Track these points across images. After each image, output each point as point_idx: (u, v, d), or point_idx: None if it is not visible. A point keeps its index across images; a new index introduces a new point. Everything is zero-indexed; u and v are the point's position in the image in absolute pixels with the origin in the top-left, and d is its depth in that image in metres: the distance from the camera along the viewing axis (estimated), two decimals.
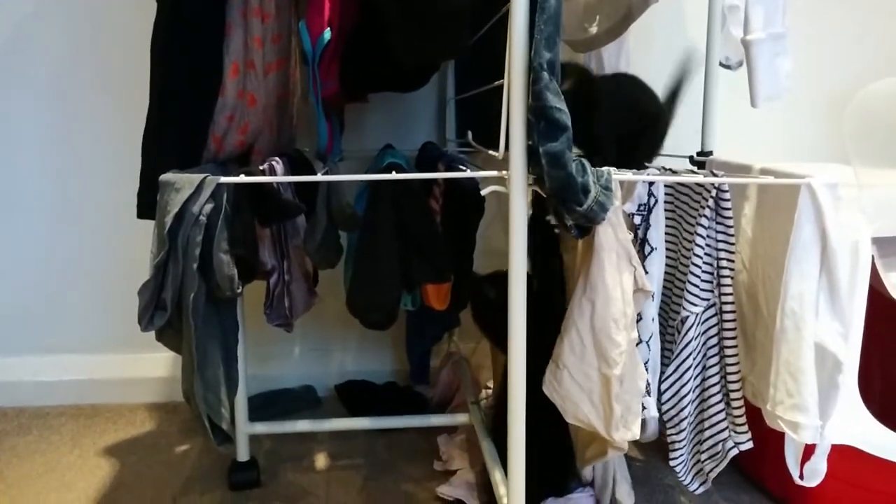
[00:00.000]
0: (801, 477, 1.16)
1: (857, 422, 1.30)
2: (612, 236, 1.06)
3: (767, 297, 1.22)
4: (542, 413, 1.15)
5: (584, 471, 1.42)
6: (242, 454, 1.57)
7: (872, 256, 1.25)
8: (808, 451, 1.15)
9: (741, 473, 1.58)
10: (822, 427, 1.10)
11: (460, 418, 1.67)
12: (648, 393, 1.20)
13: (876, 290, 1.27)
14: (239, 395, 1.49)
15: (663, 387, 1.22)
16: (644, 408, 1.19)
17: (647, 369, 1.19)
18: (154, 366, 1.99)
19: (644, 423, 1.23)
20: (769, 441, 1.20)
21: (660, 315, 1.23)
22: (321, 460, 1.68)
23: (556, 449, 1.39)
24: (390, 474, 1.60)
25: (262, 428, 1.62)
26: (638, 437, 1.12)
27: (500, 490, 1.25)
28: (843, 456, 1.27)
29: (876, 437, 1.32)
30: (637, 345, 1.18)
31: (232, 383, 1.14)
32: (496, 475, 1.31)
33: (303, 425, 1.68)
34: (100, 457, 1.70)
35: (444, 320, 1.61)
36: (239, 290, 1.09)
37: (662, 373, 1.22)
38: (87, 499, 1.51)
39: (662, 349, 1.23)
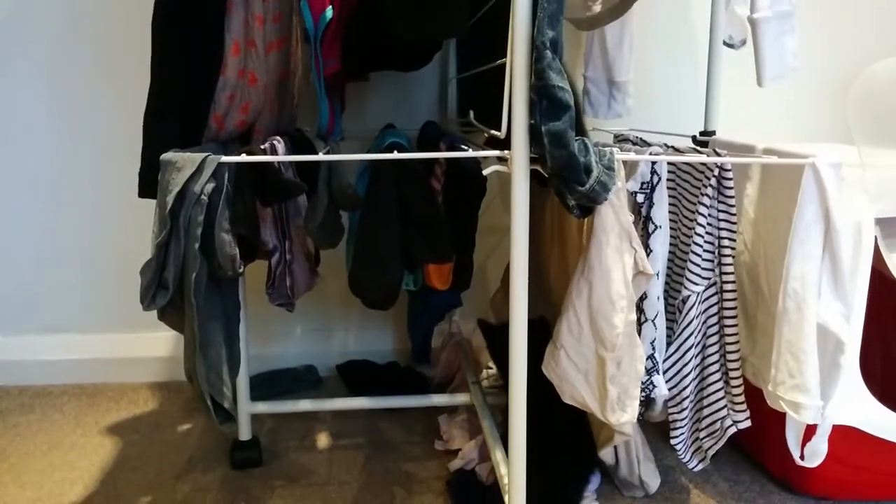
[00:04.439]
0: (802, 457, 1.17)
1: (858, 403, 1.30)
2: (612, 217, 1.06)
3: (769, 277, 1.22)
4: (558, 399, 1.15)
5: (605, 454, 1.42)
6: (244, 433, 1.58)
7: (875, 237, 1.25)
8: (809, 431, 1.15)
9: (741, 453, 1.58)
10: (823, 407, 1.10)
11: (461, 398, 1.67)
12: (658, 371, 1.21)
13: (878, 272, 1.27)
14: (241, 375, 1.49)
15: (665, 366, 1.22)
16: (655, 386, 1.20)
17: (654, 347, 1.20)
18: (156, 345, 2.00)
19: (654, 401, 1.23)
20: (769, 421, 1.20)
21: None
22: (323, 439, 1.68)
23: (572, 435, 1.39)
24: (391, 453, 1.61)
25: (263, 407, 1.62)
26: (634, 420, 1.13)
27: (501, 470, 1.26)
28: (843, 437, 1.27)
29: (877, 418, 1.32)
30: (643, 323, 1.18)
31: (234, 363, 1.14)
32: (497, 454, 1.31)
33: (304, 405, 1.69)
34: (102, 436, 1.70)
35: (446, 300, 1.61)
36: (240, 270, 1.09)
37: (664, 351, 1.22)
38: (90, 477, 1.52)
39: (665, 328, 1.23)
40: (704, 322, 1.21)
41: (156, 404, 1.88)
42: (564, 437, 1.39)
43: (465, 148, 1.19)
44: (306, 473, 1.53)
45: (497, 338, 1.66)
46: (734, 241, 1.18)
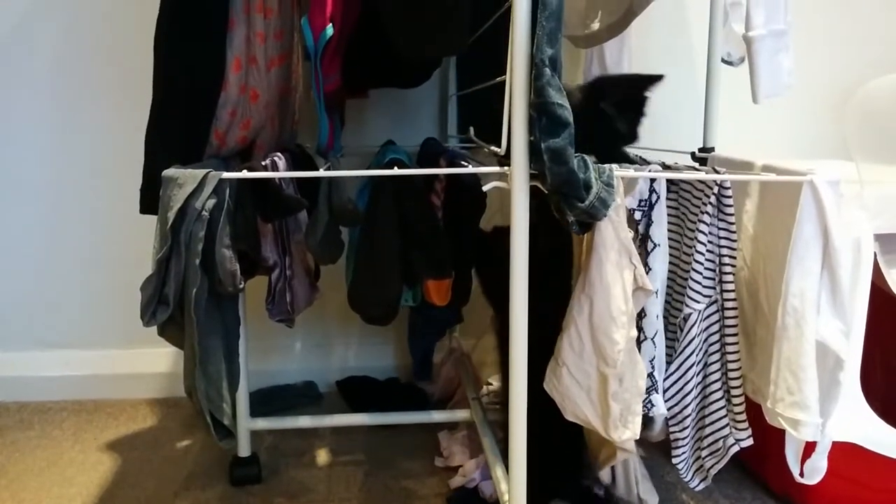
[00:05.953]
0: (802, 474, 1.16)
1: (858, 419, 1.30)
2: (612, 233, 1.06)
3: (769, 294, 1.22)
4: (554, 413, 1.14)
5: (602, 474, 1.41)
6: (244, 450, 1.57)
7: (874, 253, 1.25)
8: (809, 448, 1.15)
9: (742, 470, 1.58)
10: (822, 425, 1.09)
11: (461, 414, 1.67)
12: (657, 390, 1.20)
13: (878, 287, 1.27)
14: (240, 391, 1.49)
15: (666, 384, 1.22)
16: (653, 405, 1.19)
17: (653, 366, 1.19)
18: (156, 361, 2.00)
19: (652, 420, 1.23)
20: (770, 438, 1.20)
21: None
22: (322, 456, 1.68)
23: (568, 450, 1.39)
24: (391, 470, 1.61)
25: (263, 423, 1.62)
26: (637, 437, 1.12)
27: (502, 486, 1.25)
28: (844, 453, 1.27)
29: (877, 434, 1.32)
30: (642, 342, 1.18)
31: (233, 378, 1.14)
32: (497, 471, 1.31)
33: (304, 421, 1.69)
34: (101, 452, 1.70)
35: (446, 316, 1.61)
36: (241, 286, 1.10)
37: (665, 370, 1.22)
38: (89, 494, 1.51)
39: (665, 346, 1.23)
40: (706, 340, 1.21)
41: (155, 420, 1.88)
42: (562, 451, 1.39)
43: (465, 164, 1.19)
44: (305, 490, 1.53)
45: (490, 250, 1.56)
46: (735, 258, 1.18)
